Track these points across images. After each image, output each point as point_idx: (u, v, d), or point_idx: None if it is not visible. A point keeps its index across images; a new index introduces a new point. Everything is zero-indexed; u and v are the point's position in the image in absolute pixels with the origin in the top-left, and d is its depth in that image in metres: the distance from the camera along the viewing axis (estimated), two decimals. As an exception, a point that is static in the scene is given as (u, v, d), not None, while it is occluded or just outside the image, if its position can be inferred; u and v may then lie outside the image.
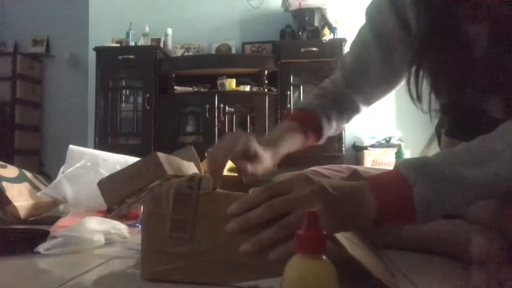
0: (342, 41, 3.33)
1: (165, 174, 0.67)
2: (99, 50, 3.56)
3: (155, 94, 3.45)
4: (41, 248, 0.76)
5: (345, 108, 0.94)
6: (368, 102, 0.95)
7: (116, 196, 0.75)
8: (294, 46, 3.37)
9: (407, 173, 0.54)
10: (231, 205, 0.54)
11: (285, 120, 0.92)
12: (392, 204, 0.54)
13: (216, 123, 3.27)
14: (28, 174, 1.32)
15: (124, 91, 3.61)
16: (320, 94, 0.96)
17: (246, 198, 0.54)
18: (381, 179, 0.56)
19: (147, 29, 3.74)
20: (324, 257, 0.41)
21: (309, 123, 0.90)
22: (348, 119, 0.97)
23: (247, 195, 0.55)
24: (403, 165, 0.56)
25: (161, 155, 0.71)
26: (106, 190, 0.77)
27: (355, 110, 0.96)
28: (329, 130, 0.93)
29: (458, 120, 0.81)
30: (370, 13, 0.88)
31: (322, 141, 0.94)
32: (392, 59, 0.86)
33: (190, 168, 0.91)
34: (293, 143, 0.86)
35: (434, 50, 0.72)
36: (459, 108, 0.78)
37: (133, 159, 1.08)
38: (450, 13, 0.69)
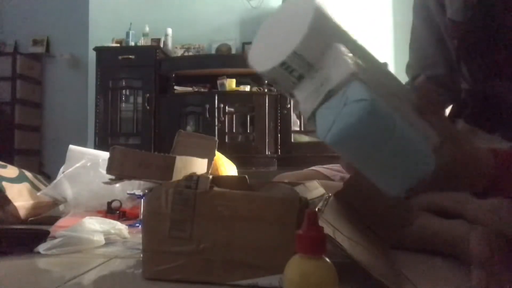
0: (342, 41, 3.32)
1: (169, 180, 0.67)
2: (99, 50, 3.56)
3: (155, 94, 3.45)
4: (41, 248, 0.76)
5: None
6: (452, 86, 0.90)
7: (119, 171, 0.76)
8: (294, 46, 3.37)
9: None
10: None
11: None
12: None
13: (216, 123, 3.27)
14: (28, 174, 1.31)
15: (124, 91, 3.61)
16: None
17: None
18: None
19: (147, 29, 3.74)
20: (324, 257, 0.41)
21: None
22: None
23: None
24: None
25: (178, 160, 0.72)
26: (114, 160, 0.79)
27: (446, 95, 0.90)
28: None
29: (482, 108, 0.81)
30: (414, 5, 0.91)
31: None
32: (445, 39, 0.86)
33: (201, 167, 0.91)
34: None
35: (471, 36, 0.73)
36: (485, 96, 0.78)
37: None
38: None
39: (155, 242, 0.58)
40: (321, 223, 0.50)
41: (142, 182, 1.12)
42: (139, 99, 3.51)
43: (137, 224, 1.08)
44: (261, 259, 0.54)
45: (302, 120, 3.34)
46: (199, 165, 0.93)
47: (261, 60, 0.48)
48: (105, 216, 1.03)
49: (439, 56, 0.88)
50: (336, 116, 0.42)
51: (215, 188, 0.59)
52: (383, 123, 0.41)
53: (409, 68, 0.95)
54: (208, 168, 1.02)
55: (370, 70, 0.47)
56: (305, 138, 3.25)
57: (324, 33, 0.46)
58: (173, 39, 3.77)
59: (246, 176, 0.76)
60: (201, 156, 1.01)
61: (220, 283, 0.55)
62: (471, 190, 0.55)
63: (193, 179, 0.58)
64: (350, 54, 0.44)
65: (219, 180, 0.72)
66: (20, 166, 1.37)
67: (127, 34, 3.68)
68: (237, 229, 0.55)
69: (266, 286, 0.53)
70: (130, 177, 0.83)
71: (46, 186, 1.30)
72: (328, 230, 0.54)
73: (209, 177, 0.60)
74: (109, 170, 0.81)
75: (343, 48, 0.44)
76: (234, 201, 0.57)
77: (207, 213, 0.56)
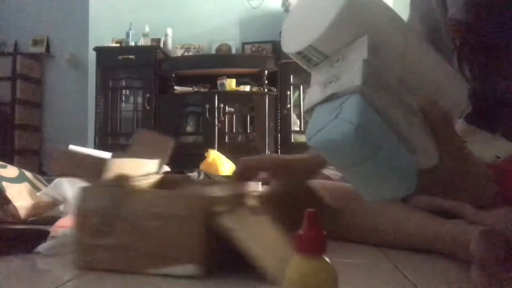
0: (342, 41, 3.32)
1: (100, 179, 0.75)
2: (99, 50, 3.56)
3: (155, 94, 3.45)
4: (41, 248, 0.77)
5: None
6: None
7: (59, 169, 0.87)
8: (294, 46, 3.37)
9: None
10: None
11: None
12: None
13: (216, 123, 3.28)
14: (28, 174, 1.31)
15: (124, 91, 3.62)
16: None
17: None
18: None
19: (147, 29, 3.74)
20: (324, 257, 0.41)
21: None
22: None
23: None
24: None
25: (120, 162, 0.81)
26: (55, 159, 0.89)
27: None
28: None
29: (480, 107, 0.81)
30: (414, 1, 0.89)
31: None
32: (440, 41, 0.84)
33: (152, 167, 0.97)
34: None
35: (474, 35, 0.73)
36: (486, 96, 0.78)
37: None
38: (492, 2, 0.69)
39: (85, 235, 0.63)
40: (229, 216, 0.60)
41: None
42: (139, 99, 3.52)
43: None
44: (173, 251, 0.60)
45: (302, 120, 3.35)
46: (150, 165, 1.00)
47: (286, 38, 0.48)
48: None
49: None
50: (325, 124, 0.42)
51: (137, 188, 0.67)
52: (364, 148, 0.41)
53: None
54: (159, 167, 1.08)
55: (395, 63, 0.45)
56: (305, 138, 3.25)
57: (352, 24, 0.43)
58: (173, 39, 3.77)
59: (189, 175, 0.83)
60: (156, 155, 1.07)
61: (140, 272, 0.61)
62: (472, 205, 0.55)
63: (118, 179, 0.66)
64: (370, 58, 0.42)
65: (165, 180, 0.88)
66: (20, 166, 1.37)
67: (127, 34, 3.69)
68: (154, 224, 0.61)
69: (179, 274, 0.60)
70: (68, 175, 0.92)
71: (46, 186, 1.30)
72: (233, 222, 0.60)
73: (130, 177, 0.68)
74: (50, 167, 0.91)
75: (366, 50, 0.42)
76: (151, 199, 0.63)
77: (130, 209, 0.62)
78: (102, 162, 0.81)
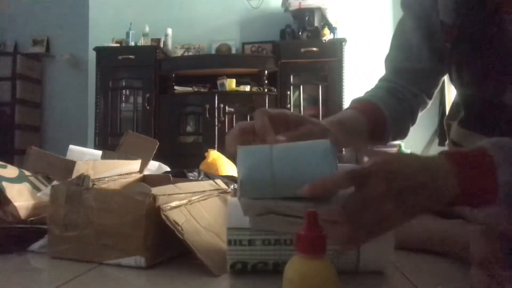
0: (342, 41, 3.33)
1: (69, 178, 0.83)
2: (99, 50, 3.56)
3: (155, 94, 3.45)
4: (34, 246, 0.77)
5: (406, 99, 0.86)
6: (427, 91, 0.88)
7: (33, 168, 0.99)
8: (294, 46, 3.37)
9: (494, 153, 0.51)
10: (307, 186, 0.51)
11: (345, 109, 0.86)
12: (474, 185, 0.52)
13: (216, 123, 3.28)
14: (28, 174, 1.31)
15: (124, 91, 3.62)
16: (377, 88, 0.90)
17: (323, 184, 0.49)
18: (464, 157, 0.53)
19: (147, 29, 3.74)
20: (324, 257, 0.41)
21: (373, 113, 0.82)
22: (413, 114, 0.88)
23: (328, 180, 0.50)
24: (489, 145, 0.53)
25: (88, 163, 0.92)
26: (30, 158, 1.03)
27: (420, 102, 0.88)
28: (395, 126, 0.84)
29: (475, 112, 0.80)
30: (407, 1, 0.87)
31: (387, 138, 0.85)
32: (434, 37, 0.83)
33: (134, 167, 1.07)
34: (356, 122, 0.79)
35: (462, 41, 0.73)
36: (478, 100, 0.78)
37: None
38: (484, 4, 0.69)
39: (55, 227, 0.71)
40: (176, 212, 0.67)
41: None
42: (139, 99, 3.52)
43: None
44: (122, 244, 0.67)
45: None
46: (132, 165, 1.07)
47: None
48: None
49: (425, 49, 0.84)
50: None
51: (95, 186, 0.76)
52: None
53: (388, 59, 0.90)
54: (142, 168, 1.13)
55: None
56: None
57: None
58: (173, 39, 3.77)
59: (170, 175, 0.99)
60: (140, 155, 1.15)
61: (96, 261, 0.68)
62: (442, 202, 0.53)
63: (80, 178, 0.73)
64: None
65: (147, 178, 1.02)
66: (20, 166, 1.37)
67: (127, 34, 3.68)
68: (106, 219, 0.68)
69: (127, 264, 0.66)
70: (42, 173, 1.01)
71: (46, 186, 1.30)
72: (180, 217, 0.67)
73: (89, 176, 0.75)
74: (25, 166, 1.00)
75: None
76: (106, 196, 0.70)
77: (88, 205, 0.70)
78: (71, 163, 0.90)
